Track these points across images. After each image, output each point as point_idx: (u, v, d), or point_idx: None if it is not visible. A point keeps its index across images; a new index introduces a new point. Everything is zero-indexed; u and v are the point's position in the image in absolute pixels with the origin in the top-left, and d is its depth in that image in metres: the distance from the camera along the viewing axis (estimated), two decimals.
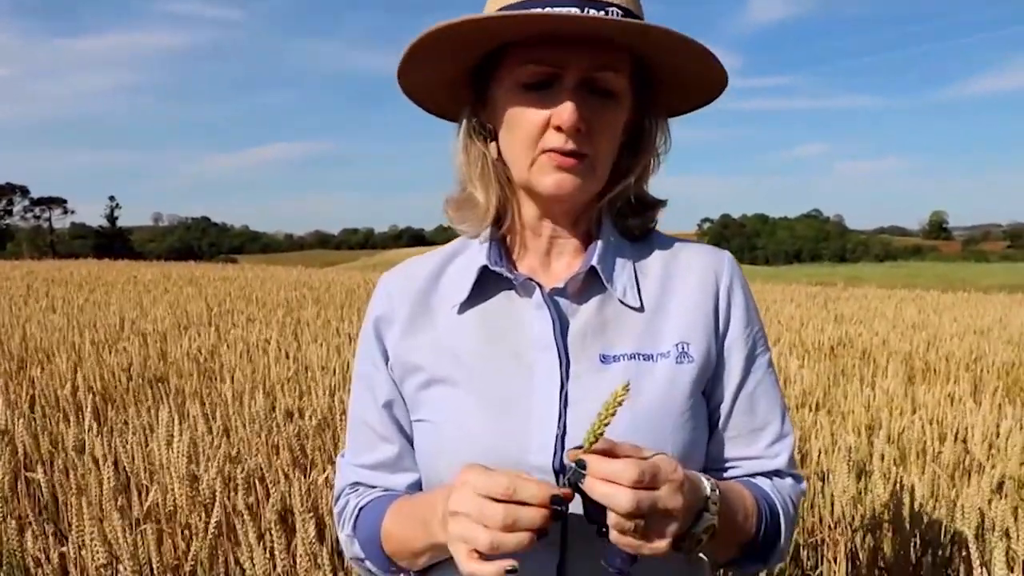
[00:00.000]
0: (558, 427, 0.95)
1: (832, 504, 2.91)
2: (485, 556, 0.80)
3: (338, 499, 1.14)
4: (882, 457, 3.25)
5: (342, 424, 3.54)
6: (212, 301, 10.49)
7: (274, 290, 12.86)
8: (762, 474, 1.06)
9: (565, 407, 0.96)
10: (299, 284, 14.79)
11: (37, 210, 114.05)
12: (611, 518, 0.80)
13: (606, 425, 0.81)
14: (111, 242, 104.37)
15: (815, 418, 4.04)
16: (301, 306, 10.11)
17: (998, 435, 3.84)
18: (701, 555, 0.98)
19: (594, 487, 0.79)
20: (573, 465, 0.82)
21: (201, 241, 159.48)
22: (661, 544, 0.81)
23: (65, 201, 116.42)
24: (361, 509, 1.08)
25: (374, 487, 1.11)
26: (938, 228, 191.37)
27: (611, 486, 0.79)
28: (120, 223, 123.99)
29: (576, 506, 0.93)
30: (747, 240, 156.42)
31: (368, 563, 1.08)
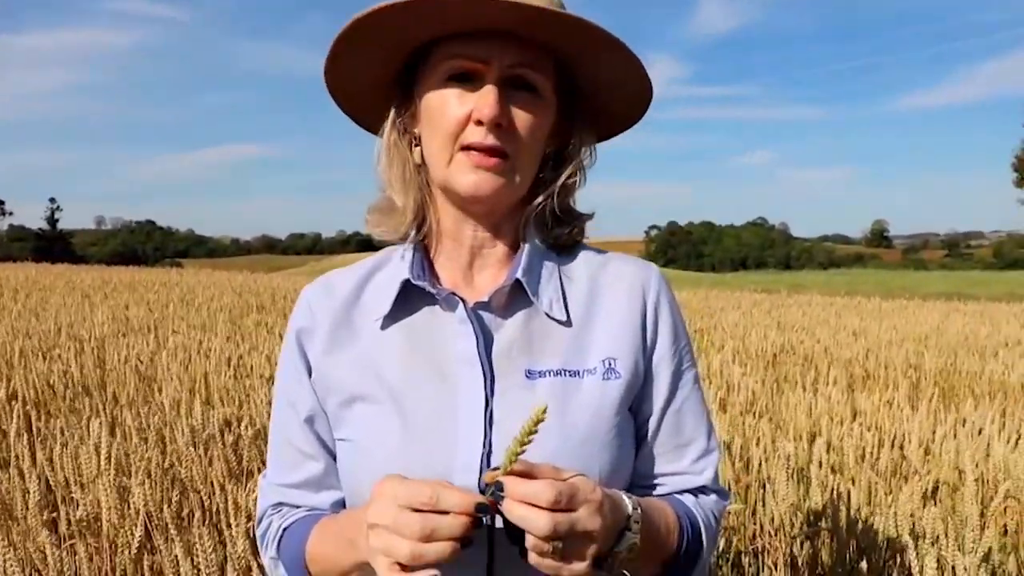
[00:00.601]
0: (483, 446, 0.94)
1: (773, 513, 2.94)
2: (407, 568, 0.78)
3: (260, 521, 1.11)
4: (820, 464, 3.29)
5: None
6: (154, 307, 10.28)
7: (217, 295, 12.65)
8: (687, 491, 1.05)
9: (490, 425, 0.95)
10: (243, 290, 14.58)
11: None
12: (529, 540, 0.78)
13: (525, 447, 0.79)
14: (51, 245, 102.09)
15: (757, 425, 4.08)
16: (244, 313, 9.96)
17: (934, 440, 3.91)
18: (624, 572, 0.97)
19: (512, 509, 0.78)
20: (491, 487, 0.80)
21: (145, 245, 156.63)
22: (580, 567, 0.80)
23: (3, 202, 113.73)
24: (285, 530, 1.05)
25: (298, 507, 1.07)
26: (879, 237, 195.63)
27: (528, 508, 0.77)
28: (61, 226, 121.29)
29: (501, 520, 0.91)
30: (693, 247, 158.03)
31: None
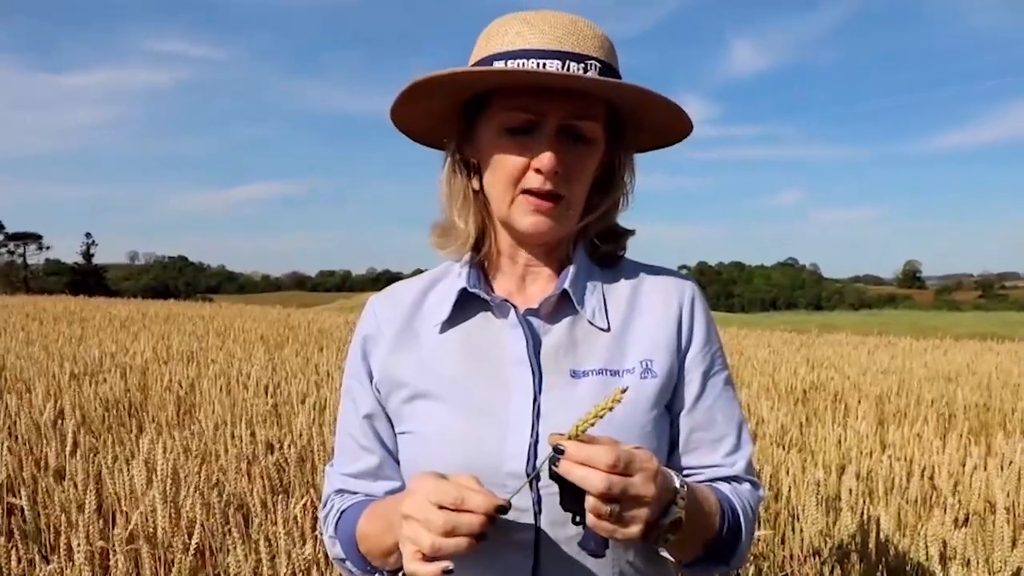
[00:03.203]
0: (531, 436, 1.03)
1: (802, 539, 2.98)
2: (428, 558, 0.88)
3: (325, 504, 1.22)
4: (850, 491, 3.33)
5: (320, 456, 3.58)
6: (191, 337, 10.47)
7: (253, 328, 12.83)
8: (722, 479, 1.13)
9: (538, 418, 1.04)
10: (278, 322, 14.76)
11: (11, 245, 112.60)
12: (589, 502, 0.86)
13: (594, 421, 0.88)
14: (86, 279, 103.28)
15: (787, 456, 4.12)
16: (280, 345, 10.11)
17: (963, 472, 3.93)
18: (665, 553, 1.05)
19: (571, 470, 0.86)
20: (551, 449, 0.89)
21: (177, 280, 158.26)
22: (633, 530, 0.88)
23: (40, 237, 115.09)
24: (342, 513, 1.16)
25: (356, 493, 1.18)
26: (912, 277, 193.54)
27: (586, 468, 0.86)
28: (96, 260, 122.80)
29: (549, 513, 1.01)
30: (723, 287, 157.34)
31: (348, 564, 1.15)
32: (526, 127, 1.05)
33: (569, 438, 0.88)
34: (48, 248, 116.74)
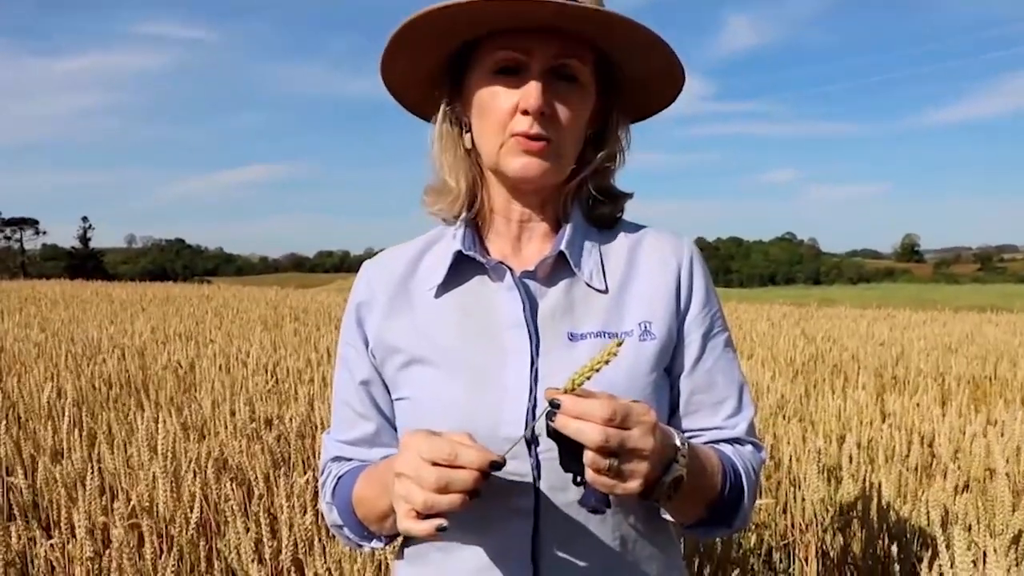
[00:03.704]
0: (529, 400, 1.02)
1: (803, 508, 2.98)
2: (422, 515, 0.86)
3: (322, 471, 1.20)
4: (851, 459, 3.33)
5: (321, 431, 3.57)
6: (190, 318, 10.46)
7: (252, 308, 12.83)
8: (723, 441, 1.12)
9: (535, 382, 1.02)
10: (277, 303, 14.76)
11: (8, 231, 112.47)
12: (587, 456, 0.85)
13: (589, 375, 0.86)
14: (83, 263, 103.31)
15: (787, 426, 4.12)
16: (278, 323, 10.11)
17: (963, 440, 3.93)
18: (667, 515, 1.04)
19: (567, 424, 0.85)
20: (547, 404, 0.87)
21: (175, 263, 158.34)
22: (633, 485, 0.87)
23: (37, 222, 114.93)
24: (339, 478, 1.15)
25: (352, 460, 1.17)
26: (910, 251, 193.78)
27: (582, 422, 0.84)
28: (93, 244, 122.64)
29: (548, 478, 0.99)
30: (722, 263, 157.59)
31: (346, 530, 1.14)
32: (513, 66, 1.03)
33: (565, 392, 0.87)
34: (45, 233, 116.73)
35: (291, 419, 3.36)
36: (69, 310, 11.77)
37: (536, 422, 0.90)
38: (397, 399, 1.12)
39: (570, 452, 0.87)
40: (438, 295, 1.11)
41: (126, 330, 8.39)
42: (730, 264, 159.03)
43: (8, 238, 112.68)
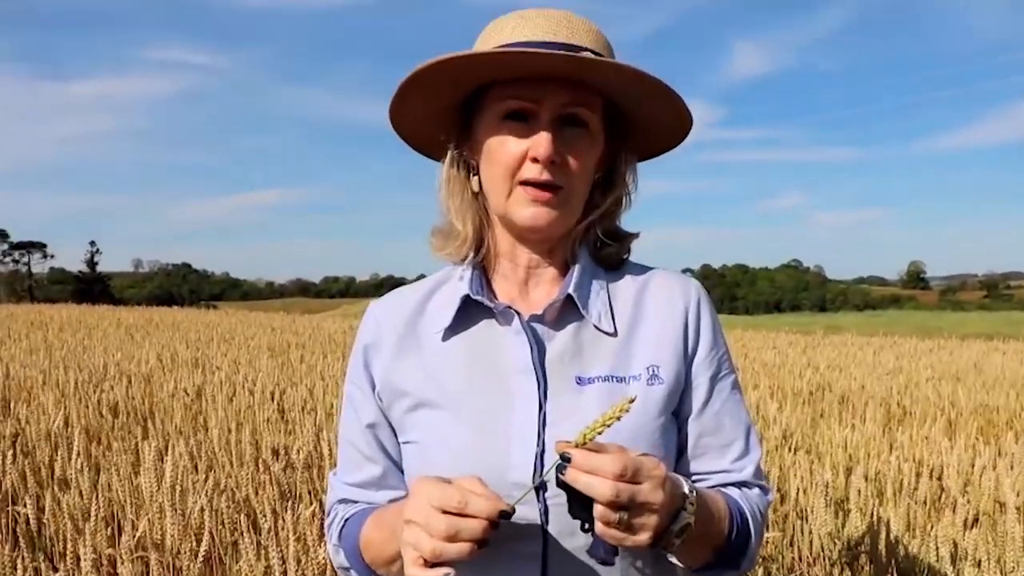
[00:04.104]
0: (537, 445, 1.01)
1: (811, 541, 2.97)
2: (430, 564, 0.87)
3: (329, 512, 1.20)
4: (859, 493, 3.32)
5: (328, 463, 3.57)
6: (196, 345, 10.48)
7: (258, 334, 12.84)
8: (731, 485, 1.12)
9: (544, 427, 1.02)
10: (283, 329, 14.77)
11: (16, 254, 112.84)
12: (597, 510, 0.85)
13: (601, 430, 0.87)
14: (90, 287, 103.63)
15: (794, 458, 4.10)
16: (284, 350, 10.11)
17: (972, 472, 3.92)
18: (674, 559, 1.04)
19: (577, 477, 0.85)
20: (559, 457, 0.88)
21: (181, 288, 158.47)
22: (642, 538, 0.87)
23: (45, 246, 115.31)
24: (347, 520, 1.14)
25: (359, 503, 1.16)
26: (916, 278, 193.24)
27: (593, 476, 0.85)
28: (100, 268, 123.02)
29: (557, 523, 0.99)
30: (727, 290, 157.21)
31: (353, 573, 1.14)
32: (523, 113, 1.04)
33: (576, 446, 0.87)
34: (52, 257, 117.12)
35: (298, 451, 3.36)
36: (76, 335, 11.80)
37: (546, 474, 0.90)
38: (404, 442, 1.12)
39: (579, 501, 0.88)
40: (445, 338, 1.11)
41: (132, 356, 8.40)
42: (736, 291, 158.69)
43: (16, 261, 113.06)
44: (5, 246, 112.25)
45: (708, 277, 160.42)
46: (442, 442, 1.05)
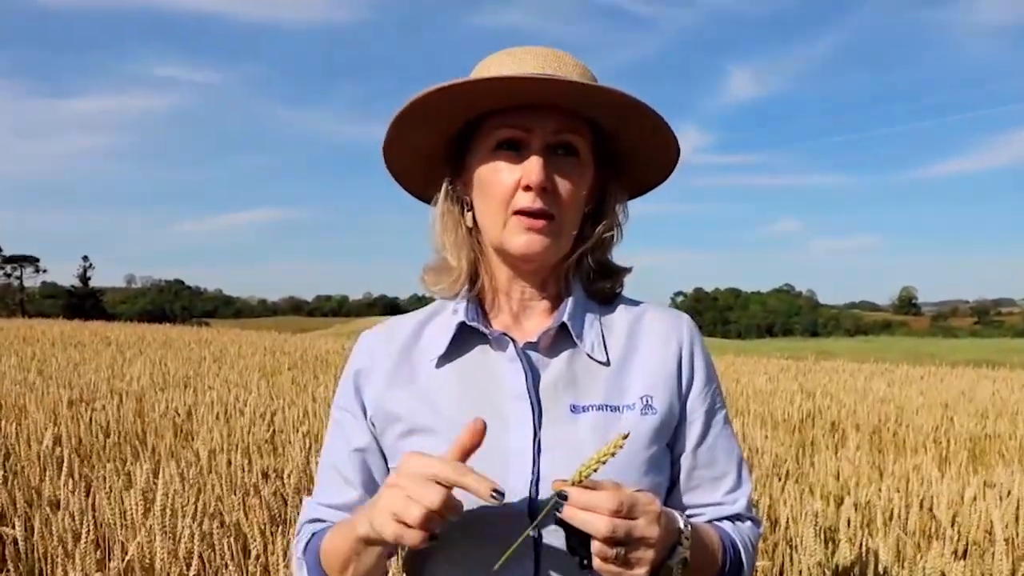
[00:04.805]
0: (532, 472, 1.03)
1: (800, 571, 2.97)
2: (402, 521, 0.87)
3: (298, 532, 1.20)
4: (848, 523, 3.32)
5: None
6: (188, 363, 10.45)
7: (249, 354, 12.81)
8: (724, 518, 1.15)
9: (538, 454, 1.04)
10: (274, 349, 14.73)
11: (8, 268, 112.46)
12: (594, 546, 0.87)
13: (596, 467, 0.89)
14: (82, 302, 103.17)
15: (783, 486, 4.10)
16: (276, 371, 10.09)
17: (963, 502, 3.92)
18: None
19: (574, 515, 0.87)
20: (555, 496, 0.89)
21: (174, 304, 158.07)
22: (639, 572, 0.89)
23: (38, 260, 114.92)
24: (313, 534, 1.14)
25: (329, 523, 1.16)
26: (908, 304, 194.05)
27: (589, 513, 0.87)
28: (92, 283, 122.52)
29: (547, 554, 1.01)
30: (720, 314, 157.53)
31: None
32: (515, 142, 1.06)
33: (572, 484, 0.89)
34: (45, 271, 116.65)
35: (289, 474, 3.36)
36: (67, 352, 11.75)
37: (543, 514, 0.92)
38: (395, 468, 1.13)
39: (576, 536, 0.90)
40: (440, 365, 1.12)
41: (124, 374, 8.38)
42: (728, 315, 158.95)
43: (8, 275, 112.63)
44: None
45: (701, 300, 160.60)
46: None
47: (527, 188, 1.04)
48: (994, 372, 16.99)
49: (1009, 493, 4.07)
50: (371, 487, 1.14)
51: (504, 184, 1.06)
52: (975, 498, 3.92)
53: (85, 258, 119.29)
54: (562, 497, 0.88)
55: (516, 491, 1.02)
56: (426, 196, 1.20)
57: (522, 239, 1.06)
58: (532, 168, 1.04)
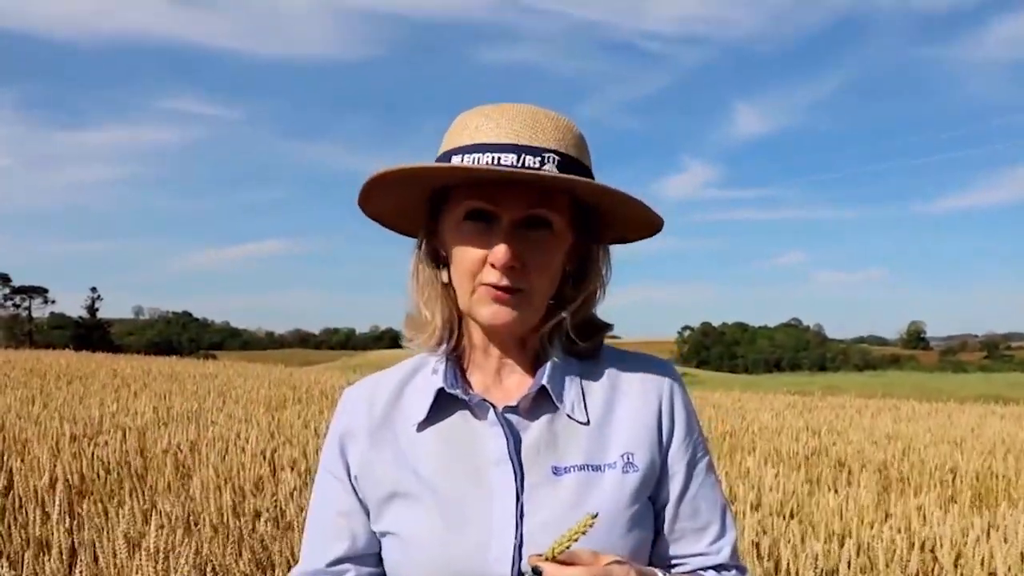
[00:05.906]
0: (515, 537, 1.02)
1: None
2: None
3: None
4: (849, 565, 3.29)
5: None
6: (194, 398, 10.45)
7: (255, 388, 12.80)
8: (709, 568, 1.13)
9: (521, 518, 1.03)
10: (280, 383, 14.72)
11: (17, 298, 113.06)
12: None
13: (568, 544, 0.90)
14: (90, 333, 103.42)
15: (787, 526, 4.07)
16: (280, 406, 10.08)
17: (966, 544, 3.88)
18: None
19: None
20: (530, 571, 0.90)
21: (181, 336, 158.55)
22: None
23: (46, 290, 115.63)
24: None
25: None
26: (916, 338, 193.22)
27: None
28: (100, 315, 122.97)
29: None
30: (727, 348, 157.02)
31: None
32: (484, 215, 1.04)
33: (546, 559, 0.90)
34: (53, 302, 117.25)
35: (281, 511, 3.34)
36: (72, 385, 11.77)
37: None
38: (381, 533, 1.12)
39: None
40: (420, 429, 1.11)
41: (128, 408, 8.38)
42: (735, 349, 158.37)
43: (17, 306, 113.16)
44: (6, 290, 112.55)
45: (708, 334, 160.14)
46: (419, 535, 1.06)
47: (493, 266, 1.03)
48: (1003, 408, 16.87)
49: (1016, 535, 4.03)
50: (355, 547, 1.13)
51: (471, 259, 1.05)
52: (979, 539, 3.88)
53: (93, 289, 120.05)
54: (536, 572, 0.89)
55: (499, 558, 1.01)
56: (408, 233, 1.19)
57: (489, 310, 1.05)
58: (498, 252, 1.01)
